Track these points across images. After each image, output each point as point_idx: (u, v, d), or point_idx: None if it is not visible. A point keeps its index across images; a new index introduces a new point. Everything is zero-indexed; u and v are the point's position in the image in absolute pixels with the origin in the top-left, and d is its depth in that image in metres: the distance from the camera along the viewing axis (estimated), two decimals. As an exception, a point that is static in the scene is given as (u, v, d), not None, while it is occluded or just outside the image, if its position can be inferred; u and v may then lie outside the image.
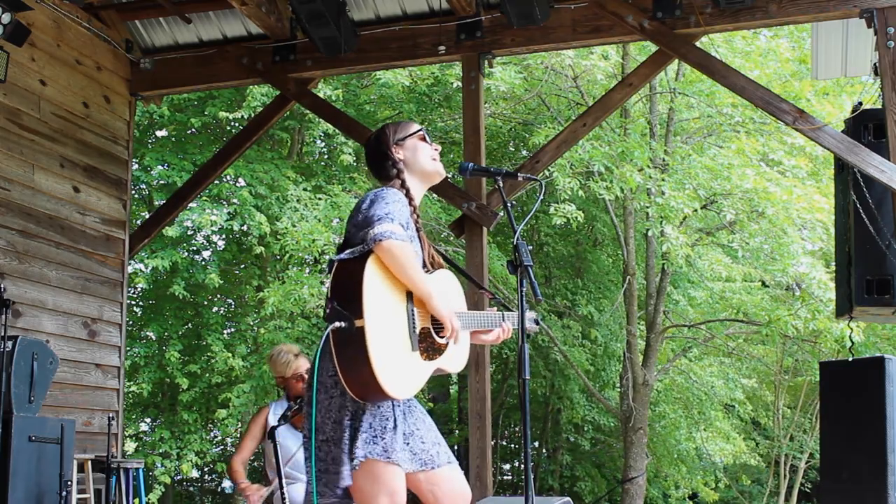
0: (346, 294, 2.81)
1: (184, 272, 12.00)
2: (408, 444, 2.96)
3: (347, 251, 2.91)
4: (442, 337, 3.04)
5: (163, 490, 12.38)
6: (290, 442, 4.94)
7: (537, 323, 3.56)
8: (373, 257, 2.83)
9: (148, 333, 13.09)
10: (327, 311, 2.85)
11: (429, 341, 3.00)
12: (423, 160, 3.18)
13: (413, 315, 2.93)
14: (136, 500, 6.66)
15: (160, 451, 12.25)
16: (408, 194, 3.12)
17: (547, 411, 16.34)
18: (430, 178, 3.24)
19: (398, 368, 2.83)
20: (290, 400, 5.04)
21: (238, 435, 13.30)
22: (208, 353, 12.20)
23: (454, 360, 3.12)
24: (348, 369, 2.79)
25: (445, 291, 3.08)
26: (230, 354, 11.78)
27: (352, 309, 2.77)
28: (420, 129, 3.23)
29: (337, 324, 2.78)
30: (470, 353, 6.39)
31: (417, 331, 2.94)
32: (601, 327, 14.28)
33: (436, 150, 3.24)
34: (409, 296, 2.94)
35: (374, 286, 2.81)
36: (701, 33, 6.29)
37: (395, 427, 2.90)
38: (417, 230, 3.13)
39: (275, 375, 5.26)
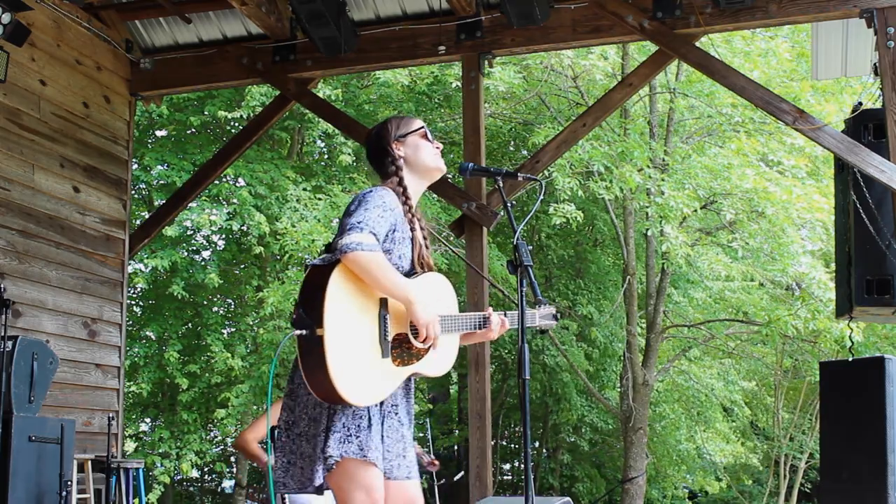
0: (310, 302, 2.81)
1: (183, 272, 12.00)
2: (380, 447, 2.95)
3: (320, 257, 2.91)
4: (419, 340, 3.01)
5: (162, 490, 12.37)
6: None
7: (556, 318, 3.50)
8: (339, 266, 2.82)
9: (147, 333, 13.09)
10: (294, 316, 2.86)
11: (404, 347, 2.98)
12: (424, 157, 3.16)
13: (385, 322, 2.91)
14: (136, 500, 6.66)
15: (160, 451, 12.25)
16: (405, 192, 3.10)
17: (546, 411, 16.34)
18: (431, 175, 3.21)
19: (359, 376, 2.82)
20: None
21: (237, 434, 13.30)
22: (208, 354, 12.19)
23: (435, 364, 3.08)
24: (310, 376, 2.81)
25: (429, 296, 3.02)
26: (229, 355, 11.77)
27: (314, 317, 2.77)
28: (422, 127, 3.21)
29: (298, 331, 2.79)
30: (470, 353, 6.32)
31: (390, 337, 2.92)
32: (601, 327, 14.28)
33: (437, 147, 3.22)
34: (384, 302, 2.92)
35: (338, 295, 2.81)
36: (701, 33, 6.29)
37: (369, 426, 2.90)
38: (412, 230, 3.10)
39: None
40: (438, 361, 3.10)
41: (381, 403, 2.98)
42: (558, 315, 3.54)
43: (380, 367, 2.89)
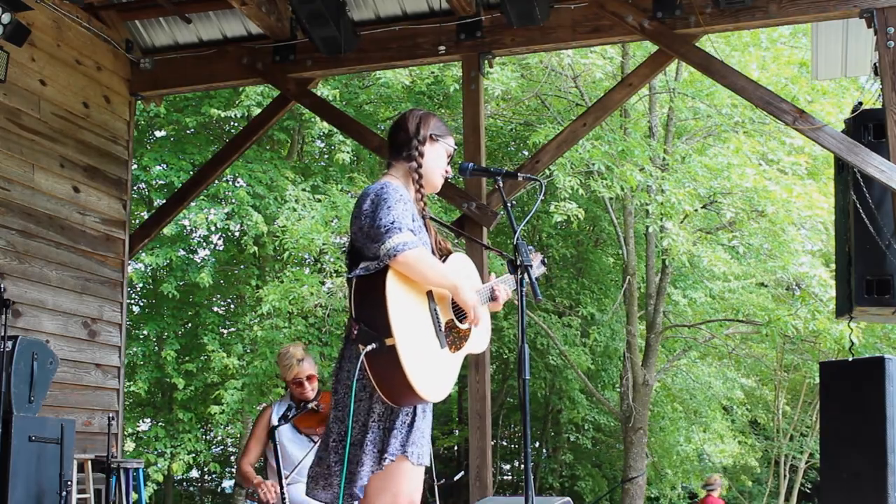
0: (371, 314, 2.83)
1: (178, 271, 12.02)
2: (419, 440, 3.00)
3: (362, 266, 2.89)
4: (463, 322, 3.09)
5: (155, 488, 12.39)
6: (295, 446, 4.93)
7: (544, 263, 3.57)
8: (391, 272, 2.85)
9: (146, 332, 13.10)
10: (354, 332, 2.86)
11: (454, 332, 3.07)
12: (435, 169, 3.17)
13: (436, 314, 2.99)
14: (135, 497, 6.65)
15: (155, 449, 12.27)
16: (419, 180, 3.12)
17: (547, 411, 16.33)
18: (427, 187, 3.20)
19: (434, 373, 2.90)
20: (293, 400, 5.03)
21: (233, 433, 13.32)
22: (206, 354, 12.20)
23: (478, 340, 3.20)
24: (385, 385, 2.84)
25: (465, 275, 3.13)
26: (225, 355, 11.78)
27: (380, 329, 2.80)
28: (454, 147, 3.24)
29: (369, 347, 2.81)
30: (469, 354, 6.38)
31: (443, 327, 3.00)
32: (603, 327, 14.28)
33: (447, 172, 3.26)
34: (430, 295, 2.99)
35: (398, 301, 2.84)
36: (701, 33, 6.29)
37: (412, 422, 2.96)
38: (423, 218, 3.14)
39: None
40: (480, 337, 3.21)
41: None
42: (545, 259, 3.60)
43: (443, 358, 2.98)
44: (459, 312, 3.08)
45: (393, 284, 2.84)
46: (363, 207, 2.93)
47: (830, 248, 10.53)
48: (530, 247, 3.42)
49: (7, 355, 5.26)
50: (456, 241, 8.91)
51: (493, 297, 3.25)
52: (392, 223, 2.84)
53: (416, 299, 2.93)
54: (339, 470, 2.95)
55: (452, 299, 3.06)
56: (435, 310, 2.97)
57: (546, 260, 3.65)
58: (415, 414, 2.97)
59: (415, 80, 11.81)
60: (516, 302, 3.05)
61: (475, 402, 6.32)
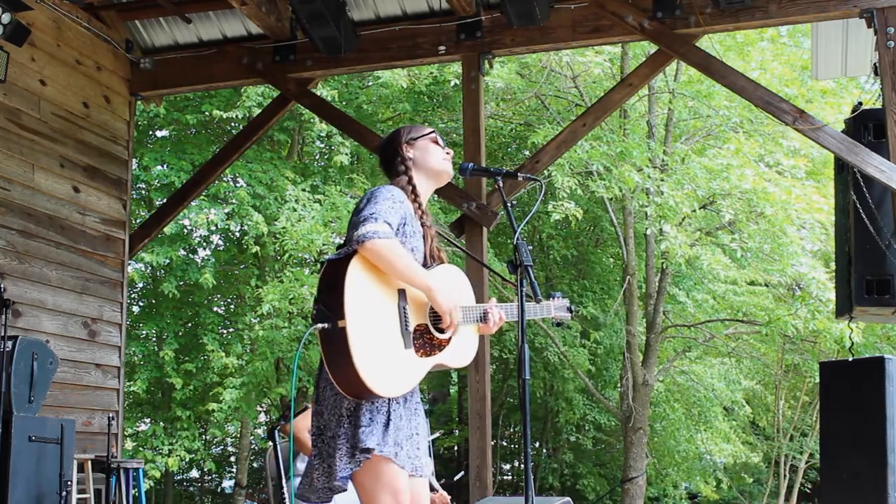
0: (329, 295, 2.83)
1: (177, 270, 12.02)
2: (405, 444, 2.95)
3: (336, 252, 2.93)
4: (442, 332, 3.04)
5: (151, 485, 12.40)
6: None
7: (570, 311, 3.47)
8: (357, 257, 2.85)
9: (145, 332, 13.09)
10: (314, 312, 2.87)
11: (426, 338, 3.01)
12: (432, 160, 3.21)
13: (405, 313, 2.93)
14: (135, 492, 6.66)
15: (154, 448, 12.27)
16: (414, 190, 3.14)
17: (547, 411, 16.33)
18: (439, 178, 3.25)
19: (384, 367, 2.83)
20: None
21: (232, 433, 13.32)
22: (205, 353, 12.20)
23: (458, 355, 3.11)
24: (335, 370, 2.82)
25: (447, 286, 3.05)
26: (224, 354, 11.78)
27: (334, 309, 2.79)
28: (433, 132, 3.27)
29: (320, 325, 2.81)
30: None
31: (411, 328, 2.94)
32: (605, 328, 14.27)
33: (447, 153, 3.26)
34: (402, 293, 2.94)
35: (357, 286, 2.82)
36: (701, 33, 6.29)
37: (387, 423, 2.91)
38: (423, 225, 3.14)
39: None
40: (461, 352, 3.12)
41: (405, 401, 2.99)
42: (573, 308, 3.53)
43: (403, 357, 2.91)
44: (438, 320, 3.03)
45: (355, 270, 2.83)
46: (359, 204, 2.98)
47: (829, 248, 10.53)
48: (558, 293, 3.41)
49: (7, 355, 5.27)
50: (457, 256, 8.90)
51: (484, 319, 3.15)
52: (371, 214, 2.87)
53: (382, 292, 2.89)
54: (318, 464, 2.95)
55: (431, 306, 3.02)
56: (404, 308, 2.93)
57: (573, 307, 3.51)
58: (389, 414, 2.92)
59: (413, 80, 11.80)
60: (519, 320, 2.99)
61: (475, 402, 6.32)
